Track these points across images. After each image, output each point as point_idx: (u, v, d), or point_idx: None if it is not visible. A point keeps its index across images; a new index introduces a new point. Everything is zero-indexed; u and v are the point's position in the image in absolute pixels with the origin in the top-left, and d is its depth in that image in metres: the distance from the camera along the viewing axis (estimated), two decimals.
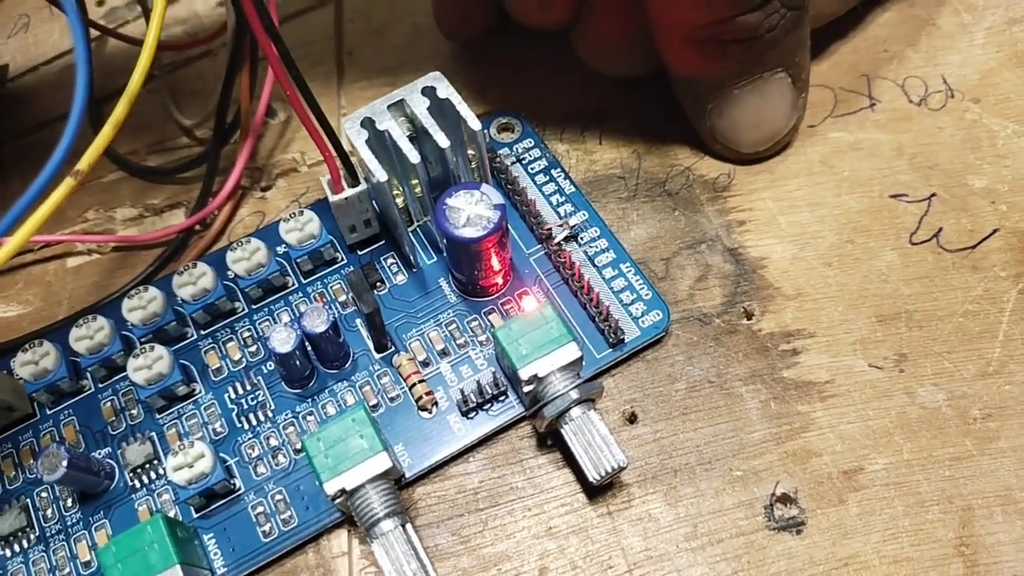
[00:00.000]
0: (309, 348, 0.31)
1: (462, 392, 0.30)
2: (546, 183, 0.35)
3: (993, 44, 0.37)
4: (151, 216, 0.37)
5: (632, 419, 0.31)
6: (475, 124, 0.29)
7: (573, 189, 0.34)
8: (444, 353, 0.31)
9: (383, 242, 0.34)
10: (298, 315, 0.31)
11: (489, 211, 0.29)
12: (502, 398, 0.31)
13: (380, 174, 0.29)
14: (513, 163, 0.35)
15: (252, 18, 0.26)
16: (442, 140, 0.29)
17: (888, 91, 0.37)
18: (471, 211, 0.29)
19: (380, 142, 0.30)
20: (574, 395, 0.28)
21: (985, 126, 0.35)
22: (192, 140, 0.38)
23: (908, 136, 0.35)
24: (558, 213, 0.34)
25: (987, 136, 0.35)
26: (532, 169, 0.35)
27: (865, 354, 0.31)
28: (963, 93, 0.36)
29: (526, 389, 0.29)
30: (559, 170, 0.35)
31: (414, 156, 0.29)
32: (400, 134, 0.29)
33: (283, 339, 0.29)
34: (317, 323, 0.30)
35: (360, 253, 0.34)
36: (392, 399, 0.31)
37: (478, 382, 0.30)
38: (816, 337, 0.32)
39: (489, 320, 0.32)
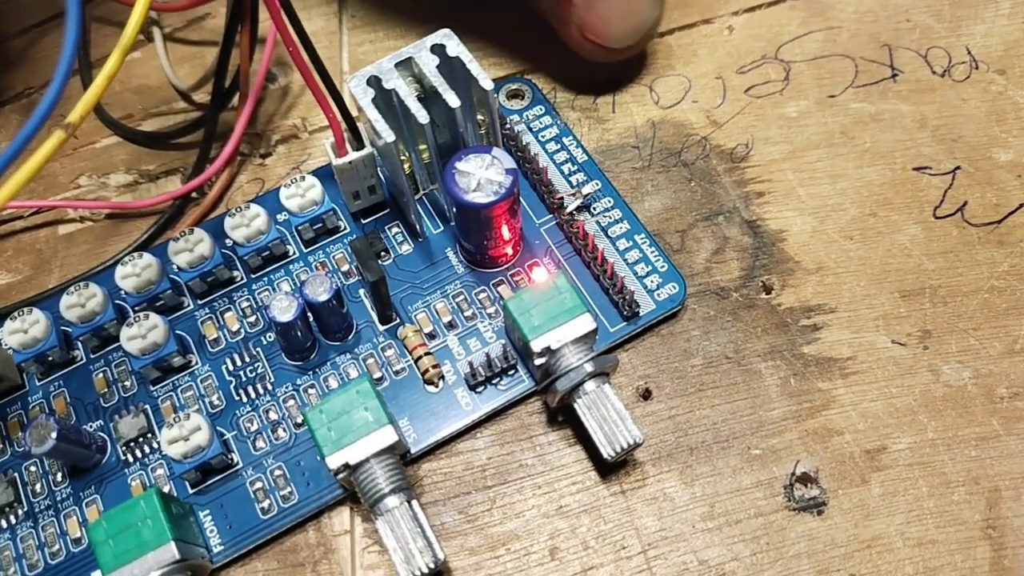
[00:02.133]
0: (311, 318, 0.29)
1: (470, 365, 0.29)
2: (557, 151, 0.33)
3: (1019, 14, 0.36)
4: (146, 183, 0.35)
5: (646, 395, 0.30)
6: (487, 84, 0.28)
7: (585, 158, 0.33)
8: (451, 325, 0.30)
9: (387, 211, 0.33)
10: (299, 284, 0.30)
11: (500, 176, 0.28)
12: (511, 372, 0.29)
13: (387, 134, 0.27)
14: (523, 130, 0.34)
15: None
16: (452, 100, 0.28)
17: (910, 62, 0.35)
18: (482, 176, 0.28)
19: (386, 102, 0.28)
20: (588, 368, 0.27)
21: (1011, 98, 0.34)
22: (189, 104, 0.37)
23: (931, 108, 0.34)
24: (570, 182, 0.33)
25: (1012, 109, 0.34)
26: (543, 137, 0.34)
27: (888, 330, 0.30)
28: (988, 64, 0.35)
29: (538, 362, 0.27)
30: (571, 138, 0.34)
31: (423, 116, 0.27)
32: (408, 92, 0.28)
33: (284, 308, 0.28)
34: (320, 291, 0.28)
35: (364, 222, 0.32)
36: (397, 372, 0.29)
37: (487, 355, 0.29)
38: (837, 312, 0.30)
39: (498, 292, 0.31)
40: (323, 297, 0.28)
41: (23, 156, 0.22)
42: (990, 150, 0.33)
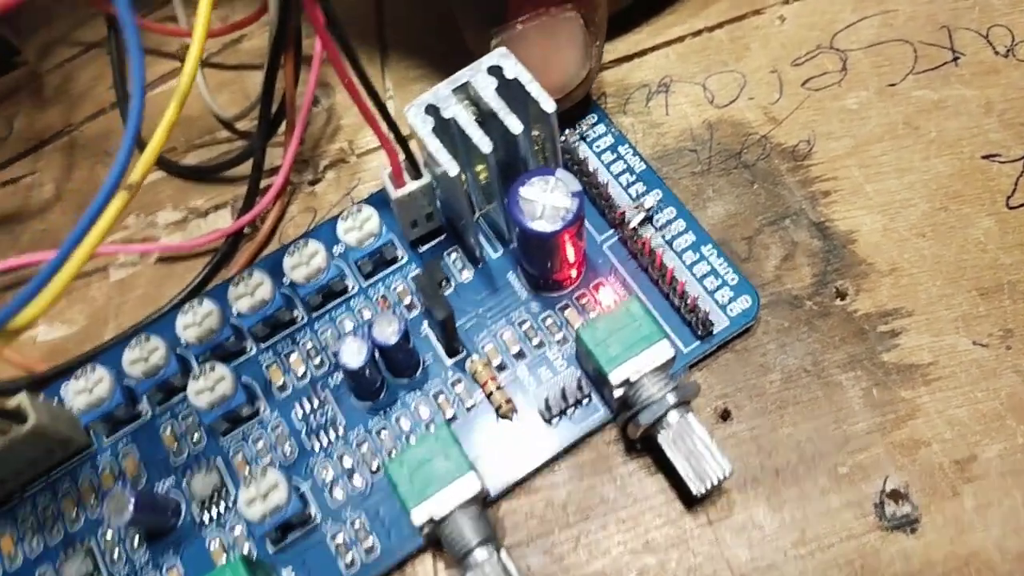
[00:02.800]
0: (379, 358, 0.29)
1: (545, 401, 0.28)
2: (614, 161, 0.32)
3: None
4: (195, 219, 0.35)
5: (725, 416, 0.29)
6: (549, 106, 0.27)
7: (643, 166, 0.32)
8: (520, 355, 0.30)
9: (444, 236, 0.32)
10: (366, 324, 0.29)
11: (566, 200, 0.27)
12: (585, 401, 0.29)
13: (452, 167, 0.26)
14: (577, 142, 0.33)
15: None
16: (515, 125, 0.27)
17: (971, 43, 0.34)
18: (546, 201, 0.27)
19: (444, 128, 0.28)
20: (671, 399, 0.26)
21: None
22: (233, 133, 0.36)
23: (996, 91, 0.33)
24: (630, 194, 0.32)
25: None
26: (598, 147, 0.33)
27: (968, 331, 0.29)
28: None
29: (616, 394, 0.27)
30: (626, 146, 0.33)
31: (486, 145, 0.26)
32: (469, 120, 0.27)
33: (353, 352, 0.27)
34: (388, 333, 0.28)
35: (421, 250, 0.32)
36: (469, 408, 0.29)
37: (561, 388, 0.28)
38: (915, 315, 0.30)
39: (565, 316, 0.30)
40: (393, 339, 0.28)
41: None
42: None
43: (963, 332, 0.29)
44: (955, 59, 0.34)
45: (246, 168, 0.33)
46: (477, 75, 0.27)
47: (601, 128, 0.33)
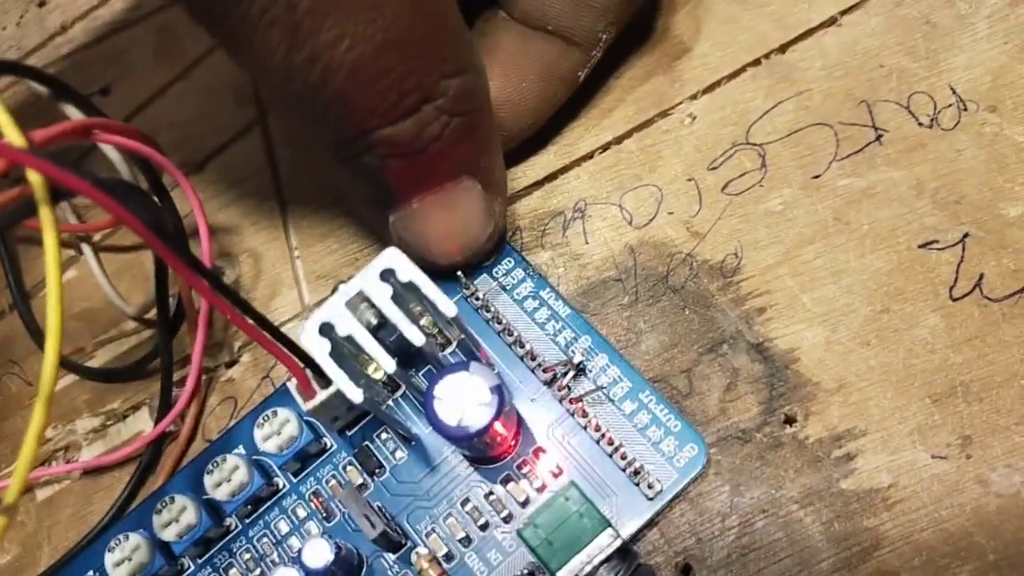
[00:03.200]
0: None
1: None
2: (537, 309, 0.31)
3: (999, 34, 0.33)
4: (114, 423, 0.33)
5: (686, 572, 0.28)
6: (449, 309, 0.25)
7: (569, 311, 0.31)
8: (466, 540, 0.28)
9: (372, 415, 0.30)
10: (296, 555, 0.28)
11: (486, 396, 0.26)
12: None
13: (356, 396, 0.25)
14: (495, 293, 0.31)
15: (173, 262, 0.22)
16: (416, 337, 0.25)
17: (893, 116, 0.32)
18: (465, 399, 0.26)
19: (342, 344, 0.26)
20: None
21: (1008, 138, 0.31)
22: (140, 323, 0.34)
23: (925, 168, 0.31)
24: (558, 344, 0.30)
25: (1012, 150, 0.31)
26: (518, 295, 0.31)
27: (925, 444, 0.28)
28: (976, 103, 0.32)
29: None
30: (548, 290, 0.31)
31: (390, 365, 0.25)
32: (367, 339, 0.25)
33: None
34: (319, 556, 0.26)
35: (350, 434, 0.30)
36: None
37: None
38: (869, 434, 0.28)
39: (507, 490, 0.29)
40: (323, 562, 0.26)
41: None
42: (997, 205, 0.31)
43: (920, 446, 0.28)
44: (878, 137, 0.32)
45: (158, 364, 0.32)
46: (369, 283, 0.26)
47: (519, 273, 0.32)
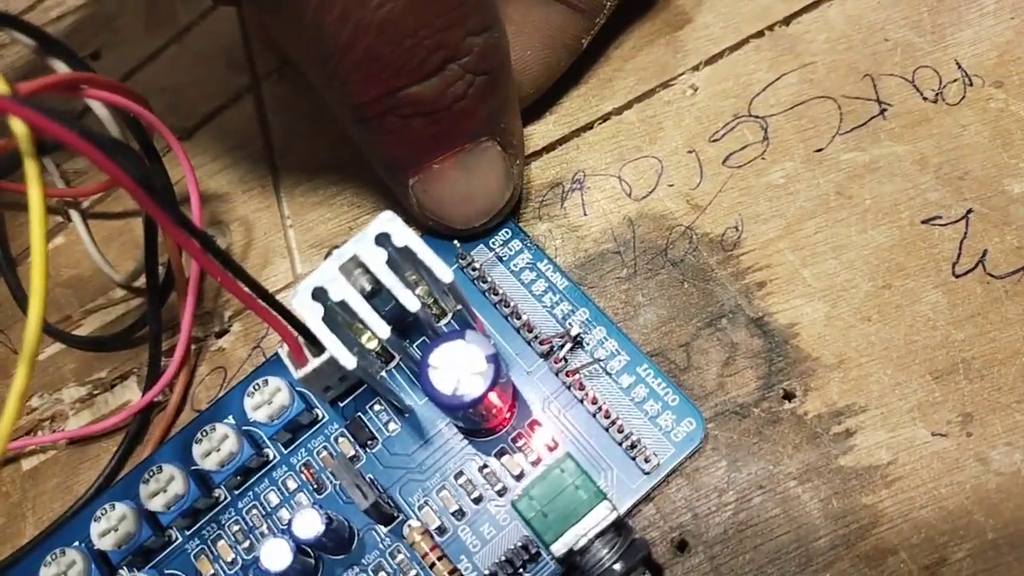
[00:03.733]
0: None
1: (491, 569, 0.27)
2: (534, 281, 0.30)
3: (1006, 9, 0.33)
4: (101, 392, 0.33)
5: (682, 547, 0.27)
6: (446, 275, 0.25)
7: (567, 283, 0.30)
8: (460, 513, 0.28)
9: (365, 386, 0.30)
10: (287, 526, 0.27)
11: (481, 364, 0.25)
12: (536, 557, 0.27)
13: (348, 361, 0.24)
14: (492, 265, 0.31)
15: (162, 220, 0.21)
16: (411, 303, 0.25)
17: (898, 90, 0.32)
18: (460, 368, 0.25)
19: (335, 311, 0.26)
20: (618, 568, 0.25)
21: (1014, 114, 0.31)
22: (129, 291, 0.33)
23: (929, 143, 0.31)
24: (555, 316, 0.30)
25: (1018, 126, 0.31)
26: (515, 267, 0.31)
27: (926, 421, 0.28)
28: (982, 78, 0.32)
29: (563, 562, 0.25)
30: (546, 262, 0.31)
31: (384, 331, 0.24)
32: (361, 304, 0.25)
33: (276, 556, 0.26)
34: (309, 527, 0.26)
35: (342, 405, 0.30)
36: None
37: (505, 556, 0.27)
38: (869, 411, 0.28)
39: (502, 463, 0.28)
40: (314, 532, 0.26)
41: None
42: (1001, 182, 0.30)
43: (920, 423, 0.28)
44: (882, 112, 0.32)
45: (146, 332, 0.31)
46: (364, 246, 0.25)
47: (516, 244, 0.31)
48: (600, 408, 0.28)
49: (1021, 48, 0.32)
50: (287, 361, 0.27)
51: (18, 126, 0.19)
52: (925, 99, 0.32)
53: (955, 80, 0.32)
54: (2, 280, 0.34)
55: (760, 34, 0.34)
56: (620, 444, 0.28)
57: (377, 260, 0.25)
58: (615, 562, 0.25)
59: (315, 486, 0.29)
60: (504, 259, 0.31)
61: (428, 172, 0.29)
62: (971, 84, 0.32)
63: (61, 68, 0.28)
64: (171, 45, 0.40)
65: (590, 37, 0.32)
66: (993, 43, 0.32)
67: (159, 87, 0.39)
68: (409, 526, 0.28)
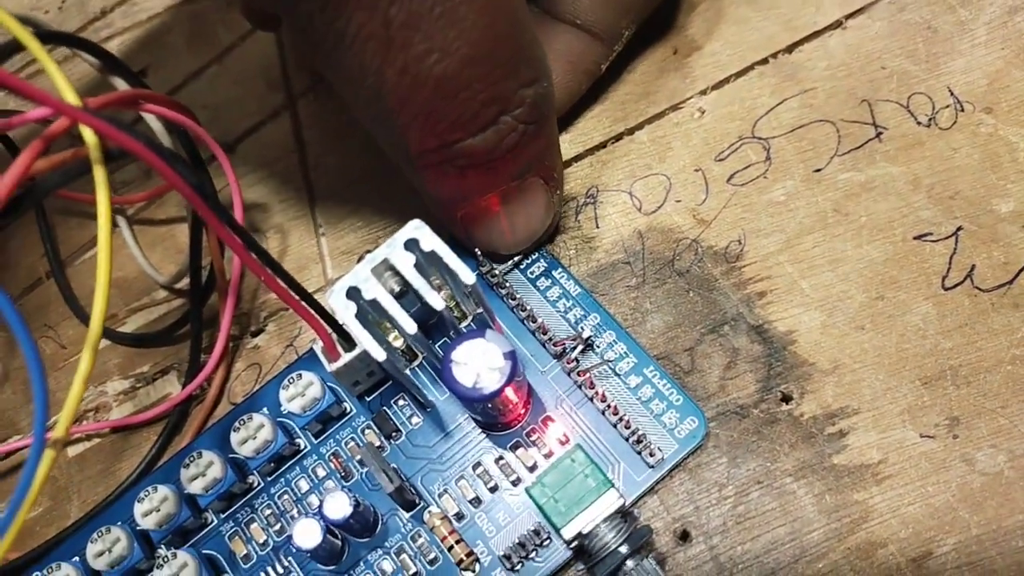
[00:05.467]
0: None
1: (505, 553, 0.29)
2: (549, 287, 0.33)
3: (996, 40, 0.35)
4: (144, 386, 0.35)
5: (684, 537, 0.29)
6: (468, 278, 0.27)
7: (579, 290, 0.32)
8: (476, 501, 0.30)
9: (391, 382, 0.32)
10: (318, 508, 0.29)
11: (500, 362, 0.27)
12: (547, 542, 0.29)
13: (378, 353, 0.26)
14: (510, 271, 0.33)
15: (213, 222, 0.24)
16: (436, 302, 0.27)
17: (893, 115, 0.34)
18: (480, 363, 0.27)
19: (368, 309, 0.28)
20: (623, 550, 0.27)
21: (1002, 138, 0.33)
22: (171, 292, 0.36)
23: (922, 164, 0.33)
24: (568, 321, 0.32)
25: (1006, 150, 0.33)
26: (532, 274, 0.33)
27: (915, 424, 0.29)
28: (973, 104, 0.34)
29: (572, 546, 0.27)
30: (560, 270, 0.33)
31: (411, 326, 0.27)
32: (391, 302, 0.27)
33: (307, 534, 0.28)
34: (338, 509, 0.28)
35: (368, 399, 0.32)
36: (432, 562, 0.29)
37: (517, 540, 0.29)
38: (861, 413, 0.30)
39: (517, 455, 0.30)
40: (343, 514, 0.28)
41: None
42: (990, 202, 0.32)
43: (910, 425, 0.29)
44: (878, 135, 0.34)
45: (187, 329, 0.33)
46: (395, 251, 0.27)
47: (533, 253, 0.33)
48: (609, 406, 0.30)
49: (1010, 76, 0.34)
50: (321, 356, 0.29)
51: (89, 135, 0.22)
52: (919, 123, 0.34)
53: (947, 106, 0.34)
54: (52, 281, 0.36)
55: (764, 61, 0.36)
56: (627, 440, 0.30)
57: (406, 263, 0.27)
58: (620, 544, 0.27)
59: (343, 474, 0.31)
60: (521, 267, 0.33)
61: (476, 207, 0.31)
62: (962, 110, 0.34)
63: (120, 84, 0.30)
64: (212, 65, 0.42)
65: (608, 63, 0.35)
66: (984, 71, 0.34)
67: (202, 104, 0.41)
68: (429, 512, 0.30)
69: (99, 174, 0.22)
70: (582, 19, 0.33)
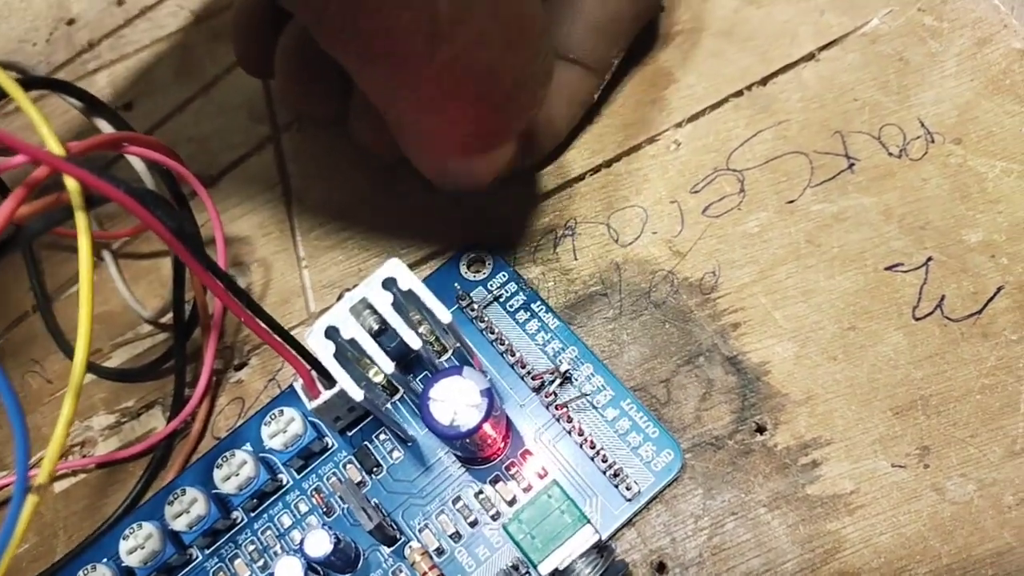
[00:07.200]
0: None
1: None
2: (528, 320, 0.33)
3: (966, 72, 0.35)
4: (129, 420, 0.35)
5: (661, 569, 0.30)
6: (445, 316, 0.27)
7: (557, 323, 0.33)
8: (457, 536, 0.30)
9: (372, 417, 0.32)
10: (299, 545, 0.30)
11: (477, 399, 0.28)
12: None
13: (356, 394, 0.27)
14: (489, 303, 0.33)
15: (192, 265, 0.24)
16: (413, 341, 0.27)
17: (865, 146, 0.35)
18: (457, 401, 0.28)
19: (346, 348, 0.28)
20: None
21: (971, 169, 0.34)
22: (156, 327, 0.36)
23: (894, 195, 0.34)
24: (547, 354, 0.32)
25: (975, 180, 0.33)
26: (511, 307, 0.33)
27: (886, 454, 0.30)
28: (943, 135, 0.34)
29: None
30: (539, 303, 0.33)
31: (388, 366, 0.27)
32: (369, 342, 0.28)
33: (287, 573, 0.28)
34: (318, 546, 0.28)
35: (350, 434, 0.32)
36: None
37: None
38: (834, 444, 0.30)
39: (496, 490, 0.31)
40: (323, 551, 0.28)
41: None
42: (959, 232, 0.33)
43: (881, 455, 0.30)
44: (850, 166, 0.34)
45: (172, 364, 0.34)
46: (372, 290, 0.28)
47: (512, 287, 0.34)
48: (586, 439, 0.30)
49: (979, 107, 0.34)
50: (301, 393, 0.30)
51: (71, 182, 0.22)
52: (890, 154, 0.34)
53: (918, 137, 0.34)
54: (39, 315, 0.36)
55: (739, 94, 0.36)
56: (604, 473, 0.30)
57: (384, 302, 0.28)
58: None
59: (325, 509, 0.31)
60: (500, 300, 0.34)
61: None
62: (933, 141, 0.34)
63: (103, 125, 0.31)
64: (198, 97, 0.43)
65: (599, 92, 0.35)
66: (954, 103, 0.35)
67: (187, 137, 0.42)
68: (410, 547, 0.30)
69: (81, 220, 0.23)
70: (576, 53, 0.34)
